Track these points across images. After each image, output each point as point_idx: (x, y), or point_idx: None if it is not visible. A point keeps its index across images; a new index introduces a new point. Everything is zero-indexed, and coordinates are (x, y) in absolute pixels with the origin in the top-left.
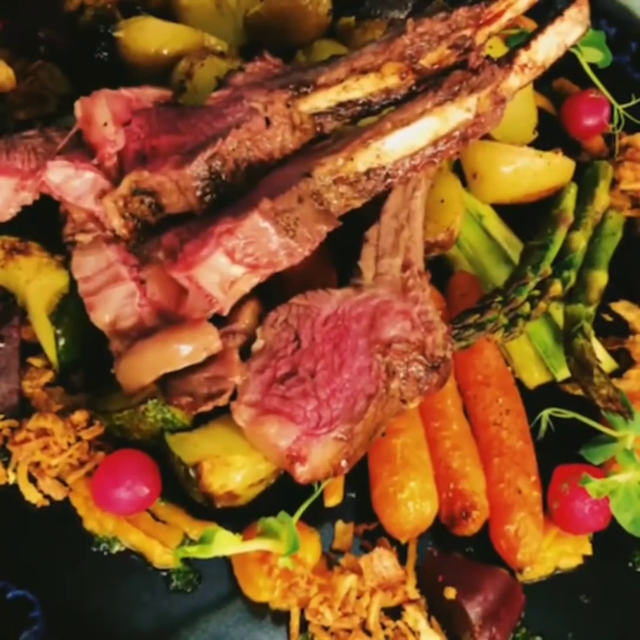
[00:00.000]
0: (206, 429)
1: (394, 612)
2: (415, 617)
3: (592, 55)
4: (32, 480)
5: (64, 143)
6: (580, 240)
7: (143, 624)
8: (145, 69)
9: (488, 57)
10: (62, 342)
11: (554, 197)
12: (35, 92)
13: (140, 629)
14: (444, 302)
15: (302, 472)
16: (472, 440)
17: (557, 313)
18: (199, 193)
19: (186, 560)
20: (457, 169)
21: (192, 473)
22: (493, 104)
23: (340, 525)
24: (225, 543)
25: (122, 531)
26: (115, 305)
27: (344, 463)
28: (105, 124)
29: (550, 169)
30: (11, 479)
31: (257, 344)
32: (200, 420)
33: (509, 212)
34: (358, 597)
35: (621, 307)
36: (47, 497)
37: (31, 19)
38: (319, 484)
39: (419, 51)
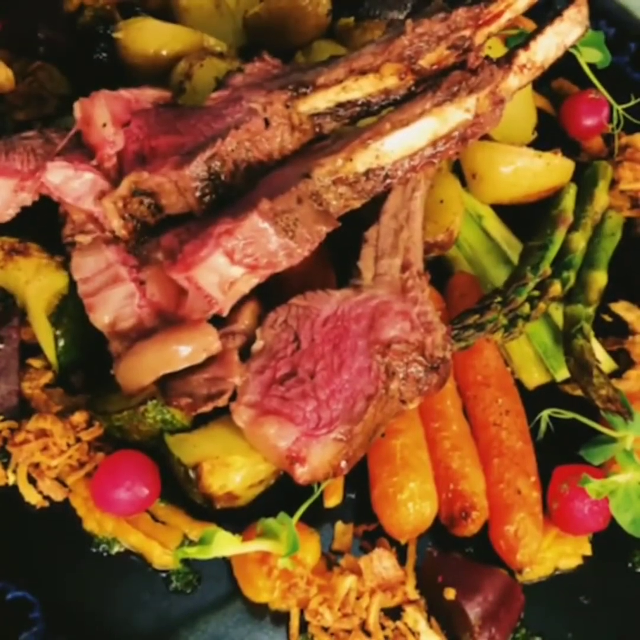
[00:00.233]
0: (206, 430)
1: (394, 613)
2: (414, 617)
3: (591, 56)
4: (32, 481)
5: (63, 144)
6: (579, 241)
7: (143, 624)
8: (145, 69)
9: (487, 57)
10: (61, 343)
11: (553, 197)
12: (34, 93)
13: (140, 630)
14: (443, 303)
15: (301, 473)
16: (472, 440)
17: (557, 313)
18: (198, 194)
19: (186, 561)
20: (457, 169)
21: (191, 474)
22: (492, 105)
23: (339, 525)
24: (224, 544)
25: (122, 532)
26: (114, 306)
27: (343, 464)
28: (105, 125)
29: (550, 170)
30: (11, 480)
31: (257, 345)
32: (200, 421)
33: (508, 213)
34: (358, 598)
35: (621, 308)
36: (46, 498)
37: (31, 20)
38: (319, 484)
39: (418, 52)
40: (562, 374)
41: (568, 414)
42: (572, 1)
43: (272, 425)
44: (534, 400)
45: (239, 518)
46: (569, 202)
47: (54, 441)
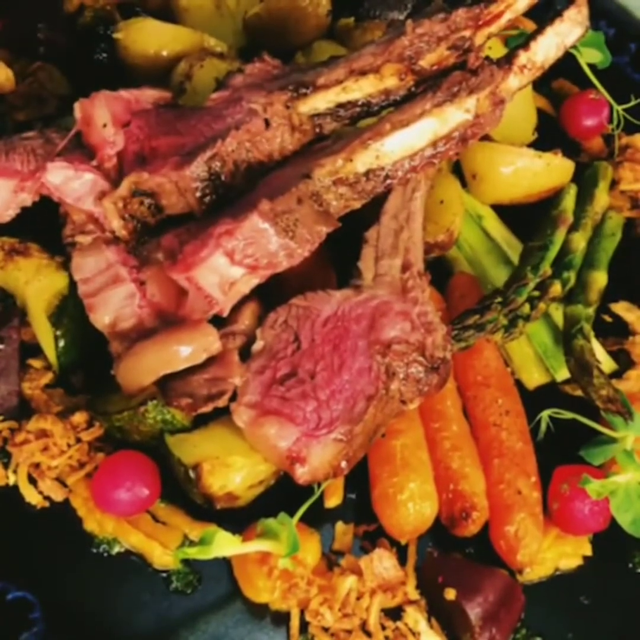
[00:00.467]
0: (206, 430)
1: (394, 613)
2: (415, 618)
3: (591, 56)
4: (32, 481)
5: (63, 144)
6: (579, 241)
7: (143, 625)
8: (145, 70)
9: (487, 58)
10: (61, 343)
11: (553, 197)
12: (34, 93)
13: (140, 630)
14: (443, 303)
15: (301, 473)
16: (472, 441)
17: (557, 314)
18: (198, 194)
19: (186, 562)
20: (457, 169)
21: (192, 474)
22: (492, 105)
23: (340, 526)
24: (225, 544)
25: (122, 532)
26: (114, 306)
27: (343, 464)
28: (105, 125)
29: (550, 170)
30: (11, 480)
31: (257, 345)
32: (200, 422)
33: (508, 213)
34: (358, 598)
35: (621, 308)
36: (47, 498)
37: (31, 20)
38: (319, 485)
39: (418, 52)
40: (562, 374)
41: (568, 414)
42: (572, 2)
43: (273, 425)
44: (534, 400)
45: (239, 518)
46: (569, 202)
47: (55, 441)
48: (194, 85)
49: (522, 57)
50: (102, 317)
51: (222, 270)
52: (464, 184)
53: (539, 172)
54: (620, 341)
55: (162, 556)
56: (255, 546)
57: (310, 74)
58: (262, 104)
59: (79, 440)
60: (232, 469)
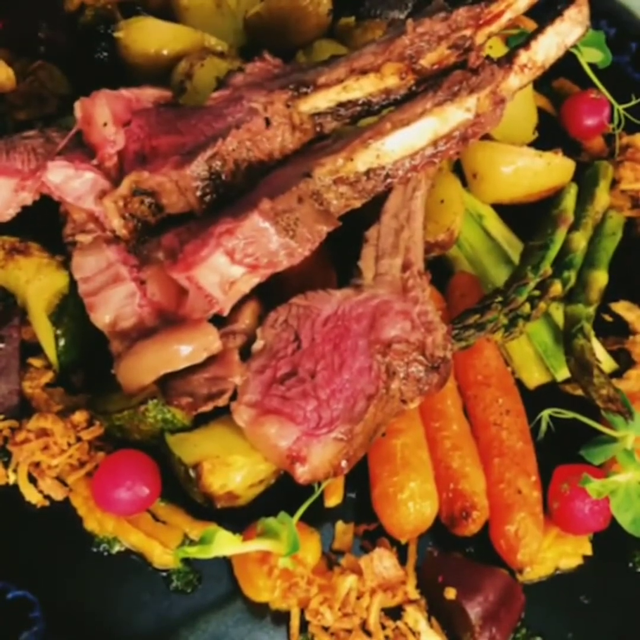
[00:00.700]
0: (206, 429)
1: (394, 613)
2: (415, 617)
3: (592, 56)
4: (32, 480)
5: (63, 143)
6: (580, 241)
7: (143, 624)
8: (145, 69)
9: (488, 57)
10: (62, 342)
11: (554, 197)
12: (35, 93)
13: (140, 630)
14: (444, 303)
15: (302, 473)
16: (472, 440)
17: (557, 313)
18: (199, 193)
19: (186, 561)
20: (457, 169)
21: (192, 473)
22: (493, 104)
23: (340, 525)
24: (225, 543)
25: (122, 531)
26: (115, 305)
27: (344, 463)
28: (105, 125)
29: (550, 169)
30: (11, 479)
31: (257, 344)
32: (201, 421)
33: (509, 212)
34: (358, 598)
35: (621, 307)
36: (47, 497)
37: (31, 19)
38: (319, 484)
39: (418, 51)
40: (563, 373)
41: (568, 414)
42: (572, 1)
43: (273, 424)
44: (534, 400)
45: (240, 517)
46: (569, 201)
47: (55, 440)
48: (195, 84)
49: (523, 57)
50: (102, 316)
51: (223, 270)
52: (465, 183)
53: (540, 171)
54: (621, 340)
55: (163, 555)
56: (256, 545)
57: (311, 73)
58: (262, 103)
59: (79, 439)
60: (232, 468)
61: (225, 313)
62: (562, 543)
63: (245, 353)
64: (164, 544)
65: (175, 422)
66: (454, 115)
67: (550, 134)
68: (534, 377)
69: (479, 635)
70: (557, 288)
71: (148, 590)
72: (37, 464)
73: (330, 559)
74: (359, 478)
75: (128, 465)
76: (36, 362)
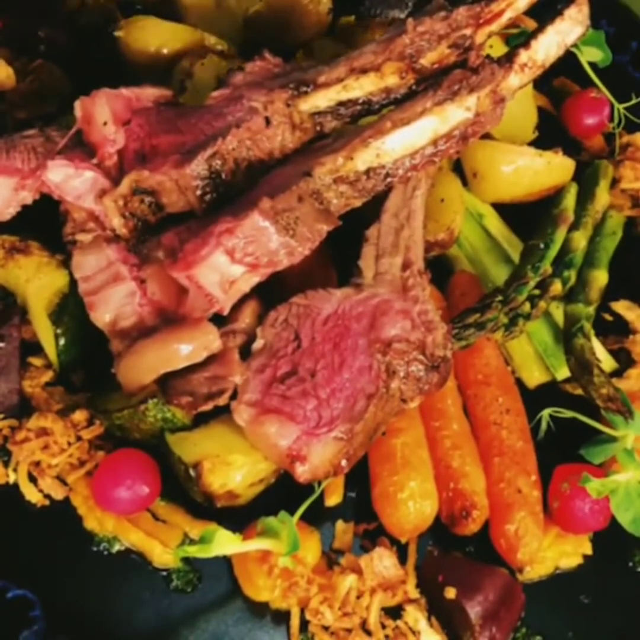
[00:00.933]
0: (206, 429)
1: (394, 612)
2: (415, 616)
3: (592, 55)
4: (32, 479)
5: (63, 142)
6: (580, 240)
7: (143, 623)
8: (146, 68)
9: (488, 56)
10: (62, 341)
11: (554, 196)
12: (35, 92)
13: (140, 629)
14: (444, 302)
15: (302, 472)
16: (472, 439)
17: (557, 312)
18: (199, 192)
19: (186, 560)
20: (458, 168)
21: (192, 472)
22: (493, 103)
23: (340, 524)
24: (225, 542)
25: (122, 530)
26: (115, 304)
27: (344, 462)
28: (105, 124)
29: (551, 168)
30: (11, 478)
31: (257, 344)
32: (201, 420)
33: (509, 212)
34: (358, 597)
35: (621, 307)
36: (47, 496)
37: (31, 18)
38: (319, 483)
39: (419, 50)
40: (563, 373)
41: (568, 413)
42: (573, 0)
43: (273, 423)
44: (534, 399)
45: (240, 517)
46: (569, 201)
47: (55, 440)
48: (195, 83)
49: (523, 56)
50: (102, 315)
51: (223, 269)
52: (465, 183)
53: (540, 170)
54: (621, 340)
55: (163, 554)
56: (256, 545)
57: (311, 72)
58: (262, 102)
59: (79, 438)
60: (232, 467)
61: (225, 312)
62: (562, 542)
63: (246, 352)
64: (164, 543)
65: (175, 421)
66: (454, 114)
67: (550, 133)
68: (534, 377)
69: (479, 635)
70: (557, 287)
71: (148, 589)
72: (37, 463)
73: (330, 558)
74: (359, 477)
75: (128, 465)
76: (36, 361)
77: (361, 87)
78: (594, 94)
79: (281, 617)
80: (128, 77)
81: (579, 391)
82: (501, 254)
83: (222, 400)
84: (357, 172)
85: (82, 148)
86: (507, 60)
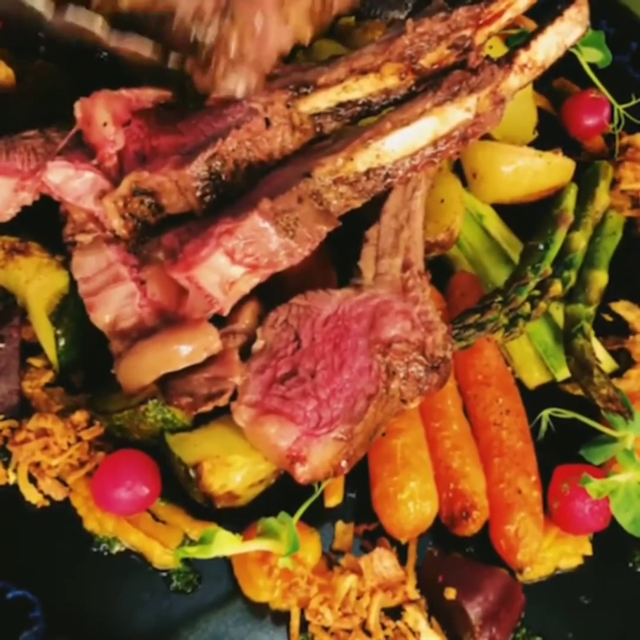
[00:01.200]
0: (206, 429)
1: (394, 613)
2: (415, 617)
3: (592, 55)
4: (32, 480)
5: (63, 143)
6: (580, 240)
7: (143, 624)
8: (146, 69)
9: (488, 57)
10: (62, 342)
11: (554, 197)
12: (35, 92)
13: (140, 629)
14: (444, 302)
15: (302, 472)
16: (472, 440)
17: (557, 313)
18: (198, 193)
19: (186, 561)
20: (457, 169)
21: (192, 473)
22: (493, 104)
23: (340, 525)
24: (225, 543)
25: (122, 531)
26: (115, 305)
27: (344, 463)
28: (105, 125)
29: (551, 169)
30: (11, 479)
31: (257, 344)
32: (201, 421)
33: (509, 212)
34: (358, 598)
35: (621, 307)
36: (47, 497)
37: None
38: (319, 484)
39: (418, 51)
40: (563, 373)
41: (568, 414)
42: (572, 1)
43: (273, 424)
44: (534, 399)
45: (240, 517)
46: (569, 201)
47: (55, 440)
48: None
49: (523, 56)
50: (102, 316)
51: (223, 270)
52: (465, 183)
53: (540, 171)
54: (621, 340)
55: (163, 555)
56: (256, 545)
57: (311, 73)
58: (262, 103)
59: (79, 439)
60: (232, 468)
61: (225, 313)
62: (562, 543)
63: (246, 353)
64: (164, 544)
65: (175, 422)
66: (453, 115)
67: (550, 134)
68: (534, 377)
69: (479, 635)
70: (557, 288)
71: (148, 590)
72: (37, 464)
73: (330, 559)
74: (359, 478)
75: (128, 465)
76: (36, 362)
77: (361, 88)
78: (594, 94)
79: (281, 618)
80: (128, 78)
81: (579, 392)
82: (501, 255)
83: (222, 401)
84: (357, 173)
85: (82, 149)
86: (506, 61)
